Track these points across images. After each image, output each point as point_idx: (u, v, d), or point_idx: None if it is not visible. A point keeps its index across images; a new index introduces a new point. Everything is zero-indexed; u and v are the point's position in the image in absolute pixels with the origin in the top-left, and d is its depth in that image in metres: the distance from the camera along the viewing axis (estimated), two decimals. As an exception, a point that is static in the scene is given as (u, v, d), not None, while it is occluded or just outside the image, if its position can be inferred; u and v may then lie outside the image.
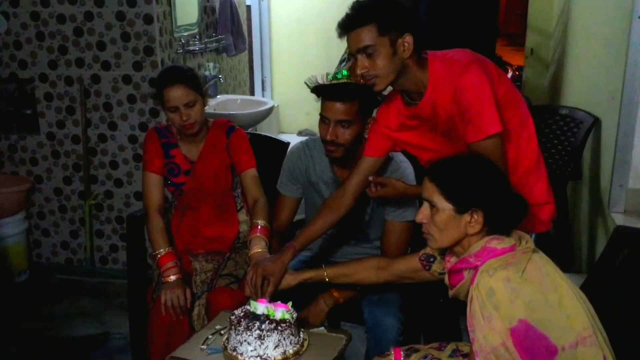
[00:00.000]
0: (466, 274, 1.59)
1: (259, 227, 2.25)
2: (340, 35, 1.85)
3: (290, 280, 2.03)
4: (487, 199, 1.56)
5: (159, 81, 2.32)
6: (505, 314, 1.44)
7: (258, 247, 2.18)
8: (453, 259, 1.67)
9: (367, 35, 1.78)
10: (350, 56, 1.89)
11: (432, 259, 1.84)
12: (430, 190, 1.60)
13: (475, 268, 1.54)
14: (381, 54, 1.79)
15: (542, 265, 1.53)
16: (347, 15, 1.83)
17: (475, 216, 1.56)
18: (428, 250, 1.85)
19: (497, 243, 1.55)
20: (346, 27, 1.83)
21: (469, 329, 1.50)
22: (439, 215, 1.58)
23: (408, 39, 1.80)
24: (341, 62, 2.10)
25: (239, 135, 2.44)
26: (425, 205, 1.62)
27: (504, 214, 1.57)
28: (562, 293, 1.49)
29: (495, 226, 1.58)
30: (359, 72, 1.84)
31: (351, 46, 1.83)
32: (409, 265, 1.91)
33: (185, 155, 2.42)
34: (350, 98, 2.06)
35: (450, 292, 1.67)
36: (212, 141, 2.42)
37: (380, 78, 1.83)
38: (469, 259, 1.57)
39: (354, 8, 1.83)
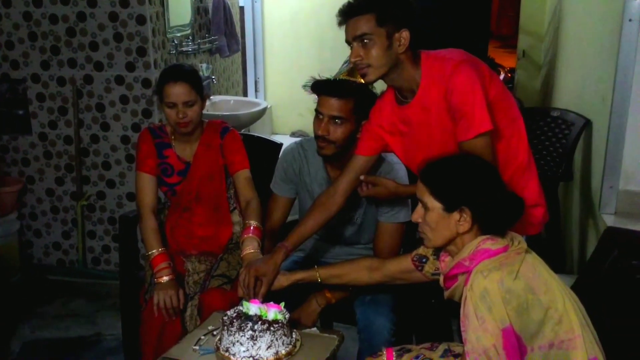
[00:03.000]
0: (460, 277, 1.59)
1: (252, 227, 2.26)
2: (340, 23, 1.88)
3: (283, 280, 2.04)
4: (474, 197, 1.57)
5: (163, 75, 2.33)
6: (498, 315, 1.45)
7: (250, 248, 2.18)
8: (448, 259, 1.68)
9: (365, 24, 1.81)
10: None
11: (424, 260, 1.85)
12: (422, 190, 1.62)
13: (470, 272, 1.55)
14: (376, 44, 1.82)
15: (535, 267, 1.54)
16: (349, 3, 1.86)
17: (464, 215, 1.57)
18: (420, 250, 1.85)
19: (492, 244, 1.56)
20: (346, 14, 1.86)
21: (462, 329, 1.51)
22: (430, 215, 1.60)
23: (405, 34, 1.83)
24: (344, 63, 2.11)
25: (233, 136, 2.44)
26: (420, 204, 1.64)
27: (495, 213, 1.58)
28: (554, 294, 1.50)
29: (487, 225, 1.59)
30: (352, 59, 1.86)
31: (348, 34, 1.86)
32: (401, 266, 1.91)
33: (179, 155, 2.41)
34: (346, 95, 2.08)
35: (446, 294, 1.68)
36: (206, 142, 2.41)
37: (373, 68, 1.85)
38: (464, 262, 1.57)
39: None
